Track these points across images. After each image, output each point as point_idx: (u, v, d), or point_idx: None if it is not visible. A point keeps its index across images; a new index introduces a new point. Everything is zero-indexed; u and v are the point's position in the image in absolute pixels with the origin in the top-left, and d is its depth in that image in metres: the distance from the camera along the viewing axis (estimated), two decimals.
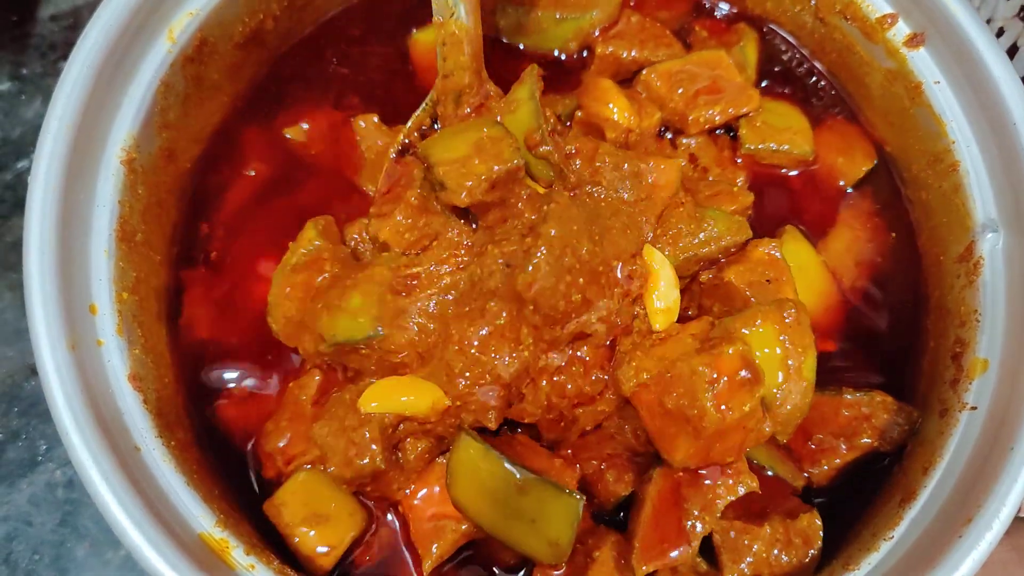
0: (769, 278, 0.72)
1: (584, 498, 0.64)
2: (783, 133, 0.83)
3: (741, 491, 0.67)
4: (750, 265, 0.73)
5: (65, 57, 1.04)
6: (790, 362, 0.67)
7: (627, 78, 0.86)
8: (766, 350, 0.66)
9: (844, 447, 0.74)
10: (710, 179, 0.81)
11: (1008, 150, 0.72)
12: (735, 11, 0.91)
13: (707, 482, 0.67)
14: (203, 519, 0.63)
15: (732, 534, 0.68)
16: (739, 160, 0.83)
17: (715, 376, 0.63)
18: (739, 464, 0.67)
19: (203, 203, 0.80)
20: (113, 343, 0.67)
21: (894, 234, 0.83)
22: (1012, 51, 0.84)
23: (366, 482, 0.68)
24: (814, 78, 0.89)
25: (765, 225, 0.80)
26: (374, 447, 0.65)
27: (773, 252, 0.73)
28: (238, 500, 0.70)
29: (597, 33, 0.85)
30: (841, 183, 0.85)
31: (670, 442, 0.66)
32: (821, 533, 0.68)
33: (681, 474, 0.68)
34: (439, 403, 0.67)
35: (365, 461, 0.65)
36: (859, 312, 0.81)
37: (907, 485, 0.70)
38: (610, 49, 0.85)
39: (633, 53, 0.85)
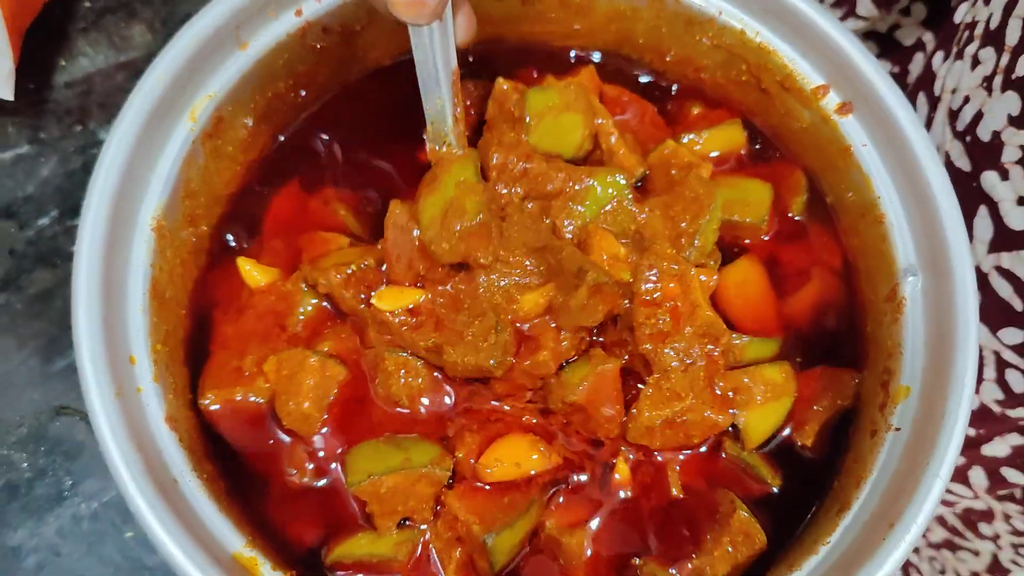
0: None
1: None
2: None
3: None
4: None
5: (80, 121, 1.13)
6: None
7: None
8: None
9: (816, 408, 0.84)
10: None
11: (923, 204, 0.82)
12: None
13: None
14: (234, 540, 0.72)
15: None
16: None
17: None
18: None
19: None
20: (151, 389, 0.75)
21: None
22: (977, 118, 0.90)
23: None
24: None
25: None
26: None
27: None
28: (262, 523, 0.78)
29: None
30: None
31: None
32: (753, 519, 0.78)
33: None
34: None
35: None
36: (807, 342, 0.89)
37: (843, 497, 0.79)
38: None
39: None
